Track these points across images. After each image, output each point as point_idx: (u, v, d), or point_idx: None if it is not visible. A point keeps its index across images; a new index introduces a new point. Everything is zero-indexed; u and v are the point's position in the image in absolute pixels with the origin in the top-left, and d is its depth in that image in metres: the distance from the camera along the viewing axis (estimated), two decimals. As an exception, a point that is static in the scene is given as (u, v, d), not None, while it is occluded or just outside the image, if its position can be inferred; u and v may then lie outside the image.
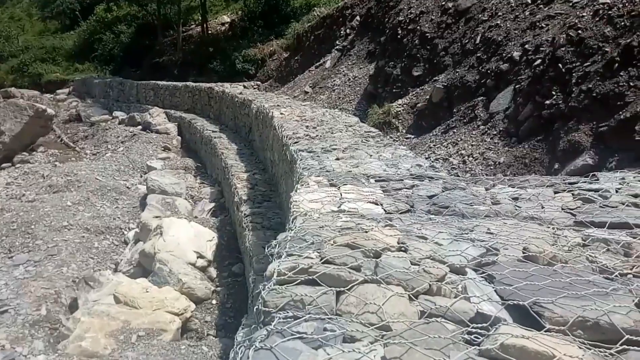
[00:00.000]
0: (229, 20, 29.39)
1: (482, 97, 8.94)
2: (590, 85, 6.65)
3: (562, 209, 2.93)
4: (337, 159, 4.61)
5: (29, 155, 15.49)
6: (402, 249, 2.12)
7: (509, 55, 8.84)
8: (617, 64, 6.52)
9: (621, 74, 6.38)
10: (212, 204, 9.92)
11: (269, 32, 24.43)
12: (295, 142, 5.50)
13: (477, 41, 10.08)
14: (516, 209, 2.96)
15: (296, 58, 20.51)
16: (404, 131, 10.31)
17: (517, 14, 9.74)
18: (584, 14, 7.77)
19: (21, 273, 7.06)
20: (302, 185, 3.41)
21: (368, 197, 3.09)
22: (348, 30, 18.28)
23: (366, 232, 2.31)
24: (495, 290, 1.75)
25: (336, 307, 1.64)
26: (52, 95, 27.62)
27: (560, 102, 7.06)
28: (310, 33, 20.50)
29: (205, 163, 13.30)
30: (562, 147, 6.60)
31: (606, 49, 6.86)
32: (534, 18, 9.16)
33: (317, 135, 5.91)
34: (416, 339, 1.41)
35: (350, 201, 2.99)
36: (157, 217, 8.48)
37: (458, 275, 1.89)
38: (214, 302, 6.45)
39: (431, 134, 9.45)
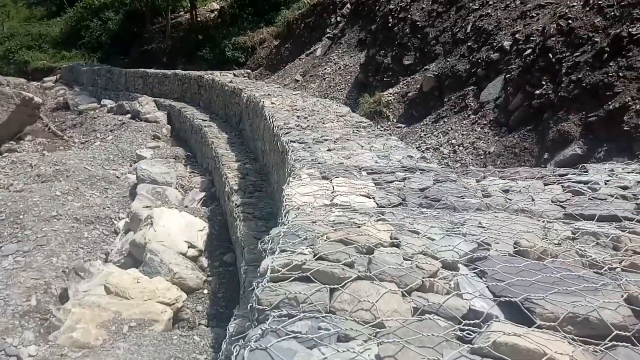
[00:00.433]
0: (218, 7, 29.08)
1: (472, 87, 8.96)
2: (580, 76, 6.69)
3: (552, 202, 2.95)
4: (329, 150, 4.60)
5: (17, 144, 15.31)
6: (395, 244, 2.13)
7: (500, 44, 8.85)
8: (606, 54, 6.56)
9: (610, 64, 6.42)
10: (203, 194, 9.90)
11: (258, 20, 24.24)
12: (287, 133, 5.48)
13: (468, 30, 10.08)
14: (507, 202, 2.98)
15: (286, 46, 20.39)
16: (395, 120, 10.31)
17: (507, 3, 9.75)
18: (574, 3, 7.79)
19: (10, 263, 7.01)
20: (295, 178, 3.41)
21: (360, 190, 3.10)
22: (339, 18, 18.19)
23: (359, 227, 2.32)
24: (487, 287, 1.77)
25: (330, 304, 1.65)
26: (39, 83, 27.20)
27: (550, 92, 7.10)
28: (300, 21, 20.36)
29: (196, 152, 13.24)
30: (551, 137, 6.64)
31: (596, 39, 6.89)
32: (524, 7, 9.17)
33: (308, 126, 5.90)
34: (410, 337, 1.43)
35: (343, 194, 3.00)
36: (147, 206, 8.44)
37: (450, 271, 1.90)
38: (205, 291, 6.45)
39: (422, 124, 9.46)
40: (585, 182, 3.23)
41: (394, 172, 3.61)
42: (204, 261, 7.02)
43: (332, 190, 3.11)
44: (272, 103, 7.78)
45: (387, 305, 1.63)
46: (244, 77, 18.83)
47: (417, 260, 1.94)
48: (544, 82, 7.29)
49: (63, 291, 6.38)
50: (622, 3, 6.93)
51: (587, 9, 7.42)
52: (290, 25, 20.86)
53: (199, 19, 28.83)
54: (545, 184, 3.30)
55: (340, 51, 16.13)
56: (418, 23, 11.85)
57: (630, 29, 6.45)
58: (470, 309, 1.63)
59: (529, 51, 8.01)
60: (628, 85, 6.07)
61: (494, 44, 9.03)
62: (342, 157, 4.28)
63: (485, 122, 8.09)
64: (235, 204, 6.84)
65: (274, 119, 6.34)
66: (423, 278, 1.80)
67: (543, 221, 2.59)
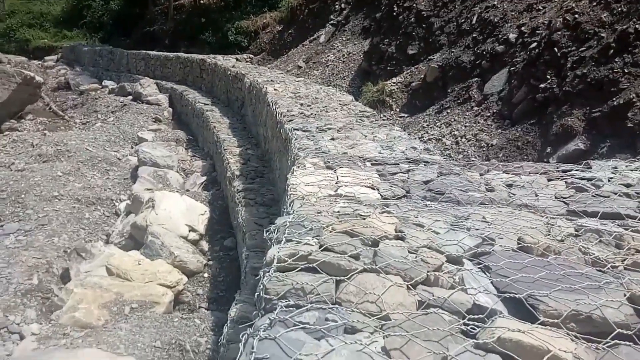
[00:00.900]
0: (221, -11, 28.85)
1: (476, 78, 8.95)
2: (585, 71, 6.67)
3: (556, 197, 2.98)
4: (332, 139, 4.61)
5: (17, 123, 15.28)
6: (400, 237, 2.15)
7: (505, 37, 8.81)
8: (612, 50, 6.54)
9: (616, 60, 6.41)
10: (204, 178, 9.91)
11: (262, 4, 24.06)
12: (290, 120, 5.49)
13: (474, 21, 10.03)
14: (510, 197, 3.00)
15: (290, 32, 20.29)
16: (398, 110, 10.30)
17: (514, -6, 9.69)
18: (582, -3, 7.75)
19: (12, 242, 7.04)
20: (299, 167, 3.42)
21: (364, 181, 3.11)
22: (343, 5, 18.08)
23: (364, 218, 2.33)
24: (491, 282, 1.79)
25: (336, 295, 1.67)
26: (40, 62, 27.04)
27: (555, 86, 7.09)
28: (304, 6, 20.23)
29: (197, 136, 13.23)
30: (554, 131, 6.65)
31: (602, 35, 6.87)
32: (530, 0, 9.12)
33: (311, 114, 5.90)
34: (415, 331, 1.45)
35: (347, 185, 3.01)
36: (148, 189, 8.46)
37: (455, 265, 1.93)
38: (205, 275, 6.50)
39: (425, 114, 9.46)
40: (589, 179, 3.25)
41: (398, 164, 3.63)
42: (205, 245, 7.05)
43: (337, 180, 3.12)
44: (275, 89, 7.77)
45: (393, 298, 1.66)
46: (247, 61, 18.75)
47: (422, 254, 1.96)
48: (548, 76, 7.28)
49: (64, 271, 6.42)
50: (630, -1, 6.91)
51: (594, 3, 7.39)
52: (294, 11, 20.73)
53: (202, 1, 28.60)
54: (549, 180, 3.32)
55: (344, 38, 16.05)
56: (423, 12, 11.79)
57: (636, 25, 6.43)
58: (475, 304, 1.66)
59: (534, 44, 7.99)
60: (633, 81, 6.07)
61: (500, 36, 9.00)
62: (346, 146, 4.29)
63: (488, 114, 8.09)
64: (237, 190, 6.85)
65: (277, 106, 6.34)
66: (428, 272, 1.82)
67: (546, 217, 2.61)
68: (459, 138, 7.96)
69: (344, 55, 14.93)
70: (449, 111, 8.90)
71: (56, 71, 24.93)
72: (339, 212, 2.45)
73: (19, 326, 5.32)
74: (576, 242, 2.27)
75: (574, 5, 7.67)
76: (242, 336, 1.45)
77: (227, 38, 22.87)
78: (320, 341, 1.39)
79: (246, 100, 10.65)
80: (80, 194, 8.63)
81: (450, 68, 9.69)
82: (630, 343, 1.46)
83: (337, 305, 1.60)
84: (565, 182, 3.24)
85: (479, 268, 1.90)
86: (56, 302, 5.56)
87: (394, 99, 10.48)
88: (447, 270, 1.88)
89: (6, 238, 7.12)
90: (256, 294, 1.69)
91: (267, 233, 2.22)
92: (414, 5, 12.19)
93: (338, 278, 1.74)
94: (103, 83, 20.93)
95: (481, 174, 3.53)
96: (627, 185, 3.13)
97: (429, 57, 10.71)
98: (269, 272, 1.77)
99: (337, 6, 18.27)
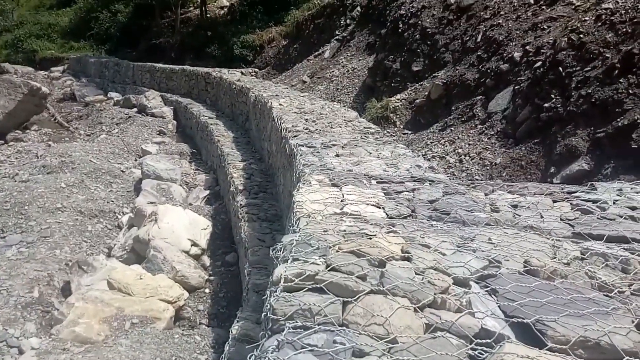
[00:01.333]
0: (228, 4, 29.16)
1: (481, 96, 8.97)
2: (590, 91, 6.69)
3: (561, 219, 2.97)
4: (337, 155, 4.62)
5: (23, 133, 15.35)
6: (406, 257, 2.14)
7: (510, 55, 8.86)
8: (617, 71, 6.56)
9: (621, 80, 6.43)
10: (207, 192, 9.92)
11: (268, 18, 24.28)
12: (295, 136, 5.50)
13: (478, 39, 10.09)
14: (515, 217, 3.00)
15: (295, 46, 20.43)
16: (402, 126, 10.33)
17: (519, 14, 9.75)
18: (586, 17, 7.80)
19: (14, 254, 7.04)
20: (304, 184, 3.43)
21: (370, 200, 3.11)
22: (348, 21, 18.23)
23: (370, 238, 2.33)
24: (498, 305, 1.79)
25: (343, 317, 1.66)
26: (46, 73, 27.25)
27: (559, 105, 7.11)
28: (310, 21, 20.40)
29: (201, 149, 13.27)
30: (558, 151, 6.65)
31: (607, 55, 6.90)
32: (536, 19, 9.18)
33: (316, 129, 5.92)
34: (423, 355, 1.44)
35: (353, 203, 3.01)
36: (151, 202, 8.47)
37: (462, 288, 1.92)
38: (207, 290, 6.48)
39: (428, 131, 9.48)
40: (594, 201, 3.24)
41: (403, 182, 3.63)
42: (207, 260, 7.04)
43: (342, 198, 3.12)
44: (280, 104, 7.80)
45: (400, 320, 1.65)
46: (252, 75, 18.87)
47: (428, 276, 1.95)
48: (553, 96, 7.30)
49: (65, 284, 6.41)
50: (635, 20, 6.94)
51: (599, 24, 7.43)
52: (300, 26, 20.91)
53: (208, 15, 28.89)
54: (554, 201, 3.31)
55: (348, 54, 16.15)
56: (428, 30, 11.87)
57: (641, 46, 6.46)
58: (482, 328, 1.65)
59: (539, 64, 8.02)
60: (638, 102, 6.08)
61: (504, 54, 9.04)
62: (351, 163, 4.29)
63: (492, 132, 8.10)
64: (240, 205, 6.86)
65: (282, 121, 6.36)
66: (435, 294, 1.81)
67: (552, 239, 2.60)
68: (463, 156, 7.97)
69: (348, 70, 15.02)
70: (452, 129, 8.92)
71: (62, 82, 25.10)
72: (345, 230, 2.45)
73: (18, 340, 5.29)
74: (582, 265, 2.26)
75: (579, 25, 7.72)
76: (250, 358, 1.44)
77: (233, 52, 23.05)
78: (329, 364, 1.38)
79: (250, 114, 10.70)
80: (83, 206, 8.64)
81: (454, 86, 9.73)
82: (640, 371, 1.45)
83: (344, 327, 1.59)
84: (571, 204, 3.23)
85: (485, 291, 1.90)
86: (56, 316, 5.54)
87: (398, 116, 10.52)
88: (454, 292, 1.88)
89: (8, 250, 7.12)
90: (263, 314, 1.69)
91: (274, 251, 2.21)
92: (419, 22, 12.28)
93: (345, 299, 1.73)
94: (108, 95, 21.06)
95: (486, 194, 3.53)
96: (633, 208, 3.12)
97: (434, 74, 10.76)
98: (275, 291, 1.77)
99: (342, 22, 18.42)
